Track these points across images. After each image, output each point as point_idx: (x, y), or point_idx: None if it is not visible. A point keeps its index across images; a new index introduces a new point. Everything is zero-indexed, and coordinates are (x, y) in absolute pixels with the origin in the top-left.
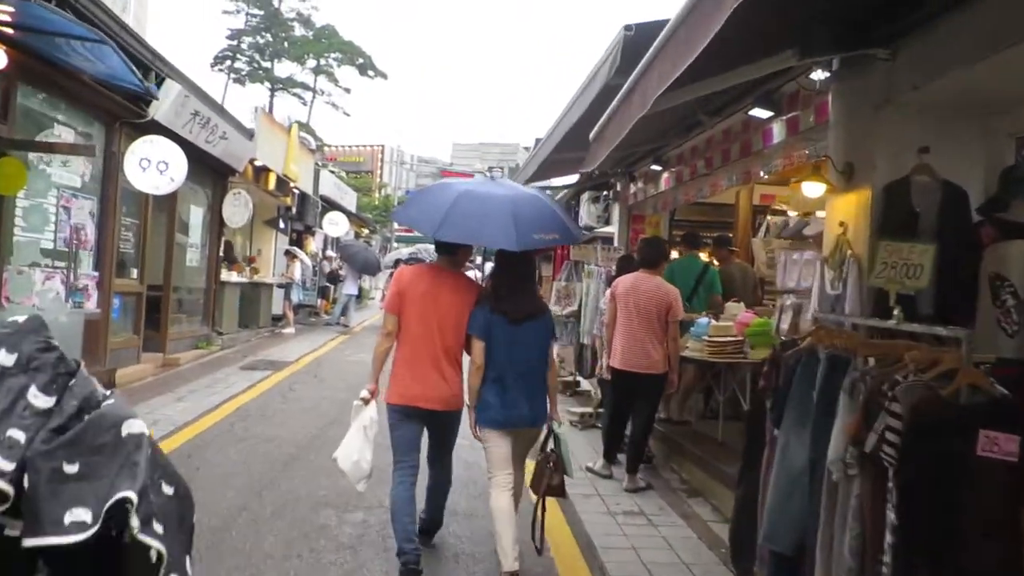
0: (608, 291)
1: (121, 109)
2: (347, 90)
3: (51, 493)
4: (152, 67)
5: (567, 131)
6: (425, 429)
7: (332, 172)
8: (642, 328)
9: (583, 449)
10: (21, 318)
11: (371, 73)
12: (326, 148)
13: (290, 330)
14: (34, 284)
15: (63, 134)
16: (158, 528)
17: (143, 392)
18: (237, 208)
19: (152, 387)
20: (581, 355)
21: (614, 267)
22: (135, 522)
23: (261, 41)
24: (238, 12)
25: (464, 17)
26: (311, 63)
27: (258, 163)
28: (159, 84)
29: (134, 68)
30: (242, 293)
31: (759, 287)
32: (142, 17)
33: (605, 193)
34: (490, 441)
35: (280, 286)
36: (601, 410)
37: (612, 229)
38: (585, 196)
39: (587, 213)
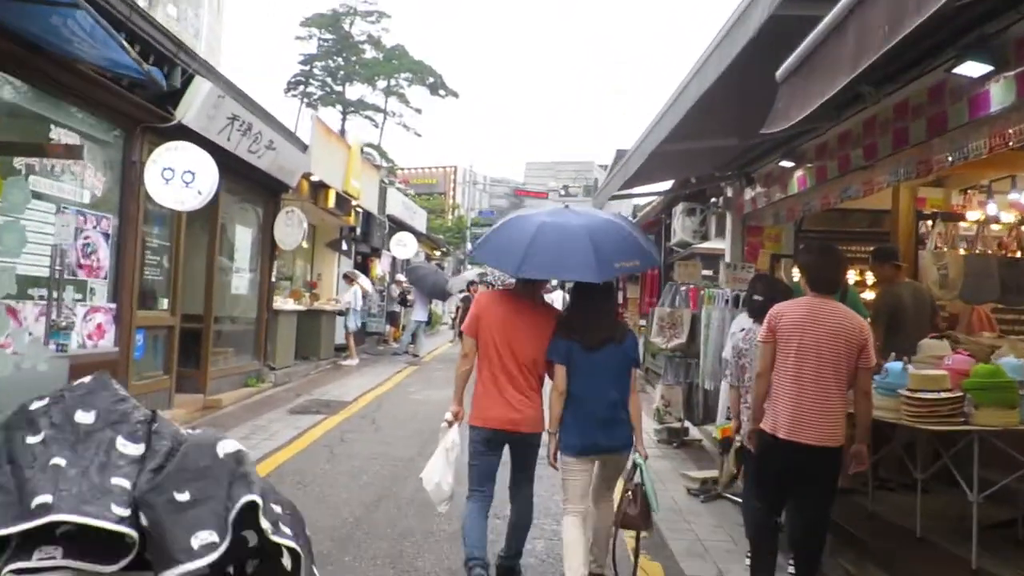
0: (760, 326)
1: (142, 112)
2: (418, 111)
3: (172, 523)
4: (177, 60)
5: (697, 99)
6: (507, 455)
7: (400, 190)
8: (823, 379)
9: (711, 532)
10: (87, 378)
11: (442, 92)
12: (399, 170)
13: (352, 361)
14: (13, 322)
15: (65, 140)
16: (287, 531)
17: None
18: (291, 228)
19: None
20: (691, 397)
21: (747, 291)
22: (266, 523)
23: (333, 65)
24: (310, 37)
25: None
26: (382, 84)
27: (315, 178)
28: (186, 83)
29: (126, 45)
30: (300, 322)
31: (936, 314)
32: (215, 45)
33: (702, 206)
34: (568, 469)
35: (339, 313)
36: (737, 484)
37: (715, 244)
38: (679, 209)
39: (681, 227)
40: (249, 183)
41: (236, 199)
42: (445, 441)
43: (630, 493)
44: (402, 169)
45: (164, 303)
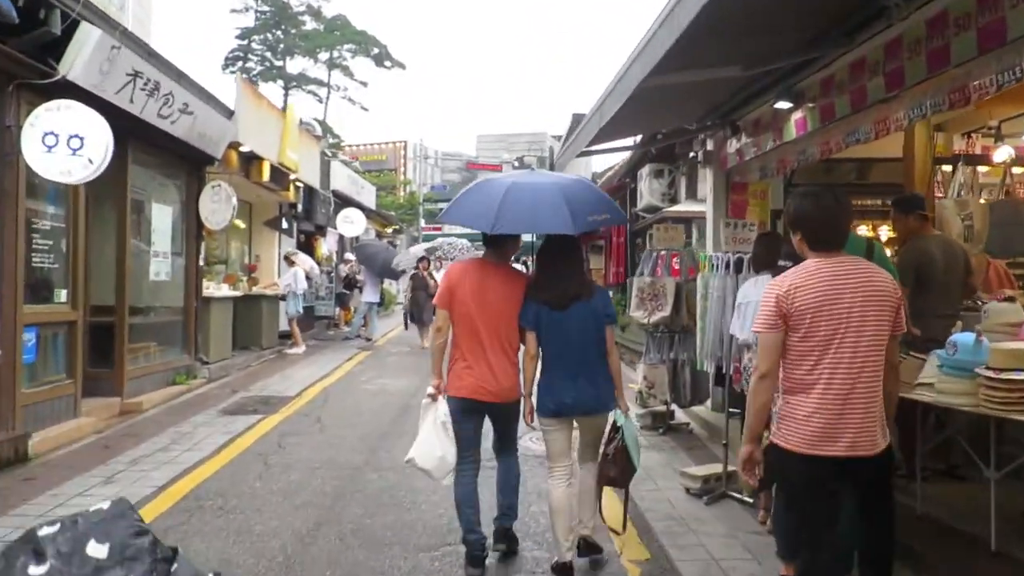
0: (769, 297)
1: (15, 64)
2: (364, 84)
3: None
4: (55, 2)
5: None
6: (488, 422)
7: (345, 163)
8: (868, 365)
9: (725, 546)
10: (105, 504)
11: (388, 64)
12: (347, 147)
13: (298, 349)
14: None
15: None
16: None
17: (61, 468)
18: (218, 205)
19: (81, 457)
20: (677, 377)
21: (756, 252)
22: None
23: (271, 38)
24: (247, 10)
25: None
26: (324, 56)
27: (244, 149)
28: (70, 29)
29: None
30: (237, 310)
31: (971, 272)
32: (144, 18)
33: (670, 166)
34: (548, 430)
35: (281, 298)
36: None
37: (686, 207)
38: (645, 171)
39: (649, 190)
40: (165, 154)
41: (151, 172)
42: (436, 415)
43: (611, 455)
44: (350, 146)
45: (62, 295)
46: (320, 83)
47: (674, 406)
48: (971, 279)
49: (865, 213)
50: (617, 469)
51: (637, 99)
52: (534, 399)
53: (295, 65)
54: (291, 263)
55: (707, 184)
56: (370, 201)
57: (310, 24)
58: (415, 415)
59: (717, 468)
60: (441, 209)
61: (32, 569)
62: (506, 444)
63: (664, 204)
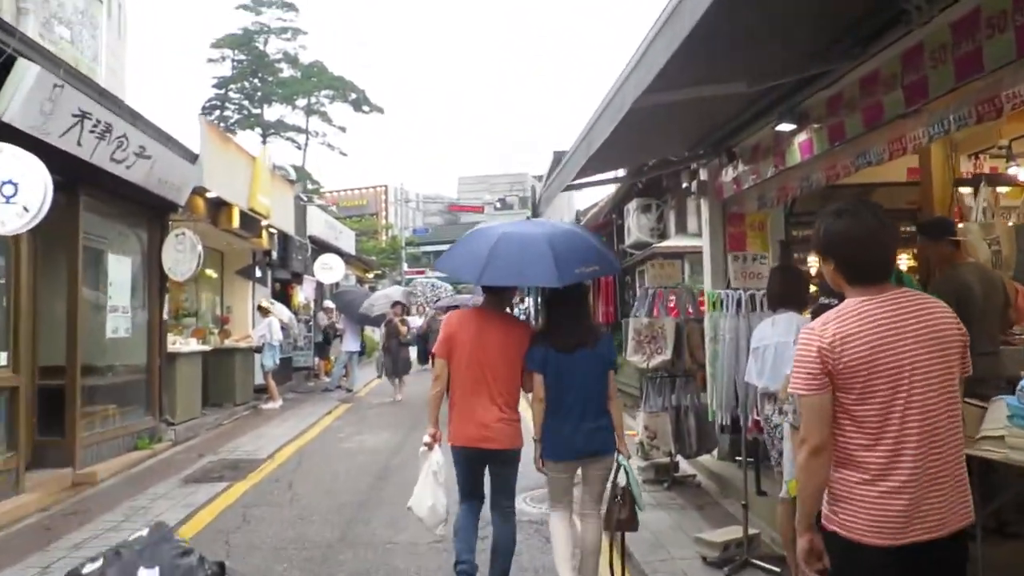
0: (808, 348)
1: None
2: (342, 129)
3: None
4: None
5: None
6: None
7: (322, 207)
8: (940, 424)
9: None
10: (144, 531)
11: (366, 108)
12: (327, 193)
13: (273, 404)
14: None
15: None
16: None
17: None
18: (183, 254)
19: (16, 543)
20: (680, 425)
21: (773, 288)
22: None
23: (248, 86)
24: (223, 59)
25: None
26: (302, 103)
27: (211, 195)
28: (6, 66)
29: None
30: (209, 365)
31: (1010, 303)
32: (117, 69)
33: (657, 201)
34: (553, 474)
35: (255, 350)
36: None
37: (676, 242)
38: (632, 206)
39: (637, 226)
40: (123, 201)
41: (107, 220)
42: (430, 463)
43: (619, 497)
44: (330, 192)
45: (1, 358)
46: (298, 130)
47: (679, 457)
48: (1009, 310)
49: None
50: (626, 511)
51: (627, 124)
52: (541, 442)
53: (273, 112)
54: (265, 313)
55: (702, 216)
56: (349, 246)
57: (287, 71)
58: (396, 477)
59: (737, 532)
60: (424, 252)
61: None
62: (504, 497)
63: (653, 240)
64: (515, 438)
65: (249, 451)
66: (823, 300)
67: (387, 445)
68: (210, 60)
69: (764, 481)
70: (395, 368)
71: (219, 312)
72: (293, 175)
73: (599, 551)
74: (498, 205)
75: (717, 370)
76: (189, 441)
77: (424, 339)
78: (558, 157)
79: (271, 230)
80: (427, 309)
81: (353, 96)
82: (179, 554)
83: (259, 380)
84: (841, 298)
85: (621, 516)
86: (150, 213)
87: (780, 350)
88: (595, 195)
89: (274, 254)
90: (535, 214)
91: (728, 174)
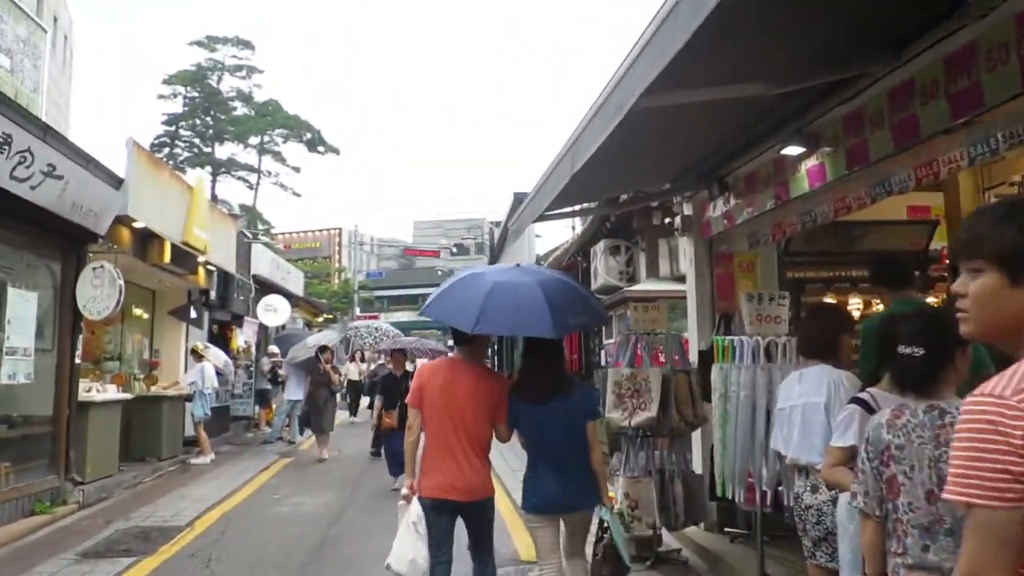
0: (985, 426)
1: None
2: (296, 169)
3: None
4: None
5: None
6: (462, 524)
7: (268, 246)
8: None
9: None
10: None
11: (321, 148)
12: (280, 235)
13: (204, 459)
14: None
15: None
16: None
17: None
18: (100, 290)
19: None
20: (665, 493)
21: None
22: None
23: (199, 123)
24: (175, 96)
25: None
26: (255, 141)
27: (139, 225)
28: None
29: None
30: (133, 414)
31: None
32: (61, 102)
33: (627, 242)
34: (535, 527)
35: (187, 399)
36: None
37: (648, 286)
38: (599, 248)
39: (605, 268)
40: (28, 227)
41: (10, 249)
42: (409, 515)
43: (600, 555)
44: (283, 233)
45: None
46: (251, 169)
47: (662, 529)
48: None
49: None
50: (608, 568)
51: (618, 137)
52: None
53: (224, 151)
54: (199, 357)
55: (686, 256)
56: (298, 288)
57: (241, 109)
58: (335, 553)
59: None
60: (377, 297)
61: None
62: (482, 548)
63: (622, 283)
64: (487, 488)
65: (166, 516)
66: (906, 349)
67: (328, 510)
68: (160, 96)
69: (769, 563)
70: (320, 423)
71: (147, 356)
72: (236, 209)
73: None
74: (454, 250)
75: (727, 434)
76: (100, 503)
77: (359, 389)
78: (519, 198)
79: (209, 267)
80: (369, 355)
81: (308, 136)
82: None
83: (190, 431)
84: (937, 344)
85: (603, 573)
86: (63, 243)
87: (809, 413)
88: (556, 238)
89: (212, 293)
90: (493, 259)
91: (717, 208)
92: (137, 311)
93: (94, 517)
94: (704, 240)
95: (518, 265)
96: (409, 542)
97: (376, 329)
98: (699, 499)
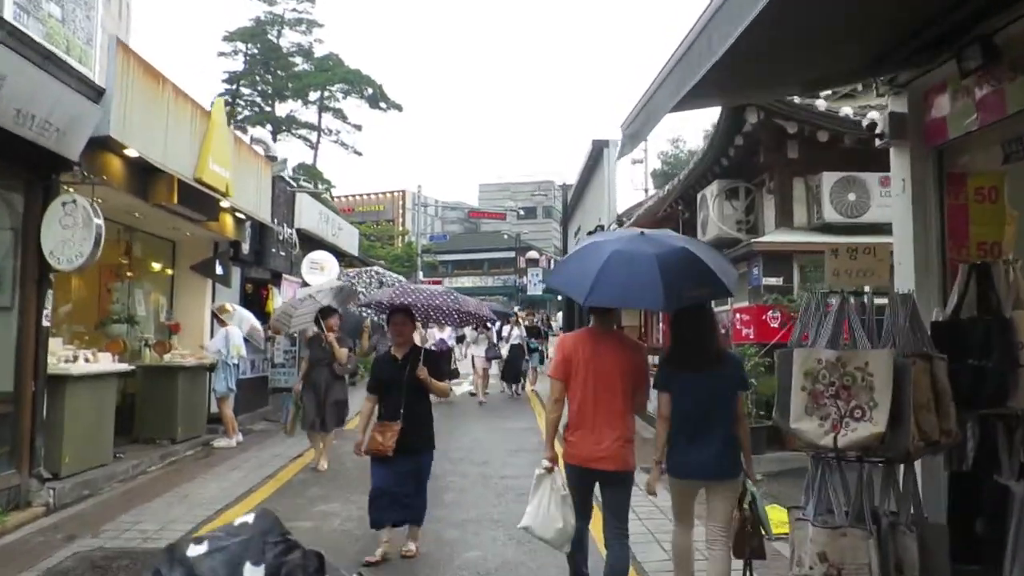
0: None
1: None
2: (357, 127)
3: None
4: None
5: None
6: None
7: (314, 196)
8: None
9: None
10: (249, 517)
11: (383, 105)
12: (342, 197)
13: (228, 441)
14: None
15: None
16: None
17: None
18: (71, 231)
19: None
20: (885, 556)
21: None
22: None
23: (259, 80)
24: (235, 53)
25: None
26: (314, 96)
27: (131, 152)
28: None
29: None
30: (145, 387)
31: None
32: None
33: (747, 183)
34: (675, 492)
35: (209, 369)
36: None
37: (776, 236)
38: (710, 192)
39: (719, 216)
40: None
41: None
42: (554, 484)
43: (749, 525)
44: (346, 196)
45: None
46: (310, 126)
47: None
48: None
49: None
50: (757, 539)
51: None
52: (663, 464)
53: (284, 109)
54: (222, 321)
55: (900, 179)
56: (351, 246)
57: (301, 65)
58: None
59: None
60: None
61: None
62: (618, 520)
63: (741, 234)
64: (629, 459)
65: (148, 532)
66: None
67: (362, 526)
68: (221, 54)
69: None
70: (321, 416)
71: (166, 318)
72: (273, 150)
73: (727, 559)
74: (521, 213)
75: None
76: (77, 505)
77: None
78: (598, 146)
79: (238, 215)
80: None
81: (369, 91)
82: (284, 550)
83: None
84: None
85: (753, 544)
86: (26, 172)
87: None
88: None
89: (245, 247)
90: (566, 220)
91: (966, 95)
92: (154, 266)
93: (55, 529)
94: (929, 150)
95: (642, 233)
96: (559, 512)
97: (377, 273)
98: (939, 565)
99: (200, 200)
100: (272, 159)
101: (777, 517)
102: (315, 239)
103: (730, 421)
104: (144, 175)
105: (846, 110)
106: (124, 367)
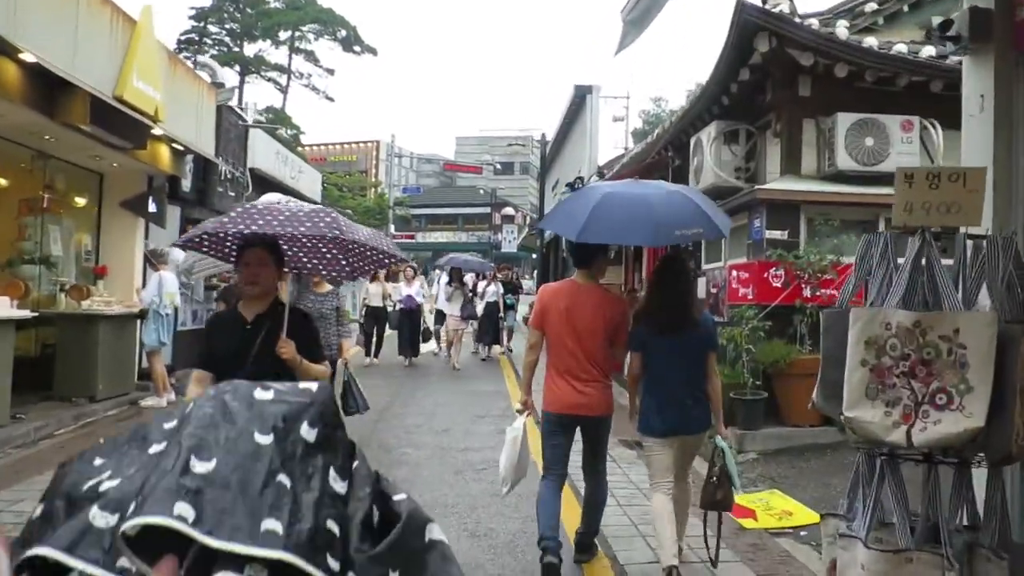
0: None
1: None
2: (330, 71)
3: None
4: None
5: None
6: (579, 438)
7: (269, 132)
8: None
9: None
10: (312, 386)
11: (357, 48)
12: (313, 147)
13: (158, 400)
14: None
15: None
16: None
17: None
18: None
19: None
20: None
21: None
22: None
23: (227, 17)
24: None
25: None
26: (285, 36)
27: (27, 58)
28: None
29: None
30: (64, 338)
31: None
32: None
33: (748, 125)
34: (649, 448)
35: (139, 317)
36: None
37: (783, 184)
38: (708, 134)
39: (716, 161)
40: None
41: None
42: (513, 430)
43: (715, 478)
44: (317, 145)
45: None
46: (281, 69)
47: None
48: None
49: None
50: (722, 492)
51: None
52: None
53: (253, 50)
54: (155, 266)
55: (974, 96)
56: (312, 190)
57: (272, 3)
58: None
59: None
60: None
61: (258, 436)
62: (596, 460)
63: (739, 180)
64: (607, 406)
65: (29, 513)
66: None
67: None
68: None
69: None
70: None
71: (90, 261)
72: (220, 76)
73: (688, 505)
74: (498, 167)
75: None
76: None
77: (381, 318)
78: (580, 91)
79: (176, 146)
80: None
81: (343, 33)
82: (336, 424)
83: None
84: None
85: (718, 496)
86: None
87: None
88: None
89: (185, 184)
90: (544, 172)
91: None
92: (78, 201)
93: None
94: (1020, 58)
95: (637, 180)
96: (505, 454)
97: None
98: None
99: (123, 124)
100: (219, 86)
101: (780, 506)
102: (271, 181)
103: (703, 379)
104: (49, 88)
105: (870, 40)
106: (23, 314)
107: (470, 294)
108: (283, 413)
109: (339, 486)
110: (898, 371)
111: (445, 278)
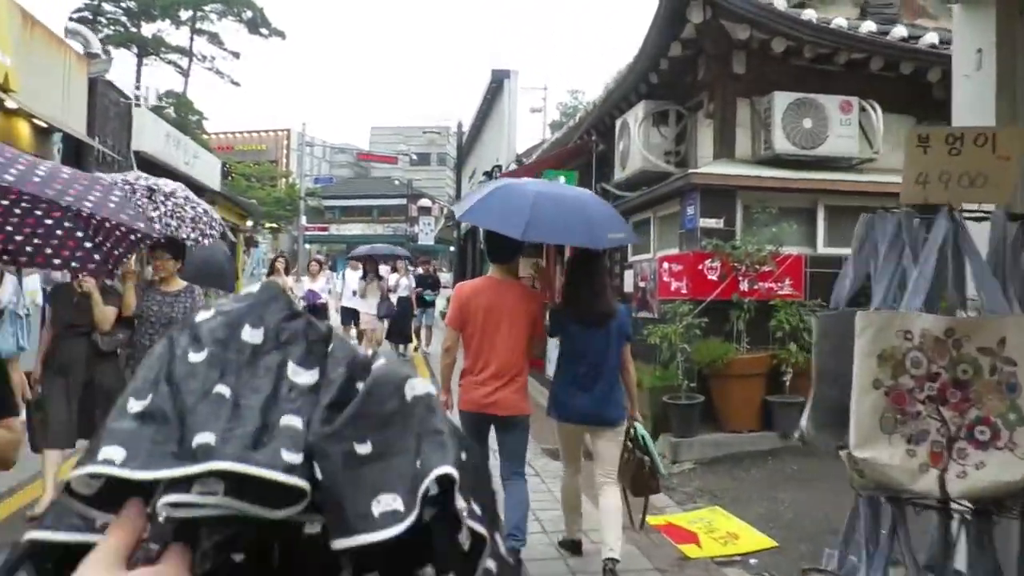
0: None
1: None
2: (235, 55)
3: (351, 482)
4: None
5: None
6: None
7: (156, 112)
8: None
9: None
10: (254, 288)
11: (264, 31)
12: (220, 135)
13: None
14: None
15: None
16: (476, 508)
17: None
18: None
19: None
20: None
21: None
22: (461, 503)
23: None
24: None
25: None
26: (186, 15)
27: None
28: None
29: None
30: None
31: None
32: None
33: (678, 106)
34: (561, 433)
35: None
36: None
37: (722, 169)
38: (636, 115)
39: (644, 144)
40: None
41: None
42: None
43: (646, 468)
44: (225, 133)
45: None
46: (182, 51)
47: None
48: None
49: None
50: (655, 481)
51: None
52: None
53: (152, 30)
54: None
55: (969, 50)
56: (211, 179)
57: None
58: None
59: None
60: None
61: (192, 355)
62: (516, 463)
63: (671, 167)
64: (523, 404)
65: None
66: None
67: None
68: None
69: None
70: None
71: None
72: (94, 46)
73: (620, 510)
74: (415, 158)
75: None
76: None
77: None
78: (498, 76)
79: (37, 122)
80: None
81: (249, 14)
82: (287, 316)
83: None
84: None
85: (651, 485)
86: None
87: None
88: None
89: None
90: (460, 161)
91: None
92: None
93: None
94: (1020, 4)
95: (552, 180)
96: None
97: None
98: None
99: None
100: (93, 56)
101: (724, 526)
102: (161, 166)
103: (617, 369)
104: None
105: (808, 13)
106: None
107: (387, 290)
108: (219, 324)
109: (304, 377)
110: (923, 395)
111: (354, 273)
